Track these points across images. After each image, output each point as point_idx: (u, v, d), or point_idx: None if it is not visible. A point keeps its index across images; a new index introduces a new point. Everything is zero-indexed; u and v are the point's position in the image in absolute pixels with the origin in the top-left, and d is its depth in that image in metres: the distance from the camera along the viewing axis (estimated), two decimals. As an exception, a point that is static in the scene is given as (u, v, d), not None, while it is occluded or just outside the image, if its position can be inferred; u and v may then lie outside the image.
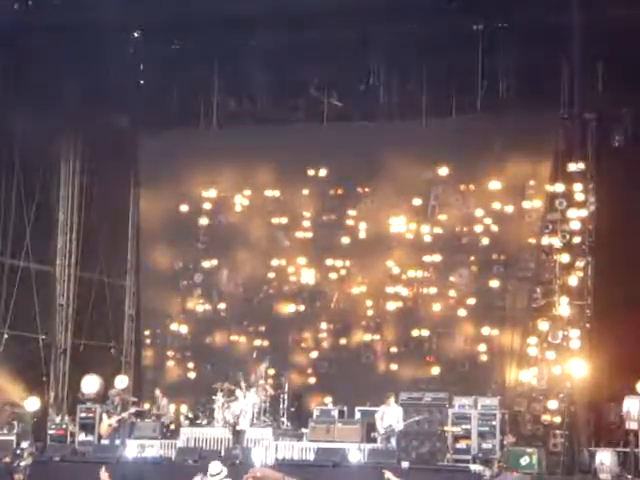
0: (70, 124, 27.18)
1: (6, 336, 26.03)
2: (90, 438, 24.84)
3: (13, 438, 24.48)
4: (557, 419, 24.46)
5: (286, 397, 25.03)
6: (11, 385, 25.13)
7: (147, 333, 28.94)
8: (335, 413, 24.22)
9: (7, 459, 21.41)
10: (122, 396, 25.15)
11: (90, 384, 26.10)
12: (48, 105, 25.29)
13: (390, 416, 22.64)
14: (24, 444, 24.00)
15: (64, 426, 25.25)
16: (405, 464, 21.39)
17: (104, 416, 24.66)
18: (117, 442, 24.19)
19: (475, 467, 21.10)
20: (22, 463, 20.32)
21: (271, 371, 25.67)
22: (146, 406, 26.32)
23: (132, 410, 24.67)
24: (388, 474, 17.41)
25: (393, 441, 22.59)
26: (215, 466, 14.60)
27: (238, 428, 23.08)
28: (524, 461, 21.65)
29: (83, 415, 25.17)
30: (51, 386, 27.19)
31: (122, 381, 26.36)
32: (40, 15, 24.61)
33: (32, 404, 25.40)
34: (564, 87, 24.55)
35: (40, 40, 24.48)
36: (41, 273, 27.40)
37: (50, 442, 24.93)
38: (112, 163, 27.68)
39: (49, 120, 25.74)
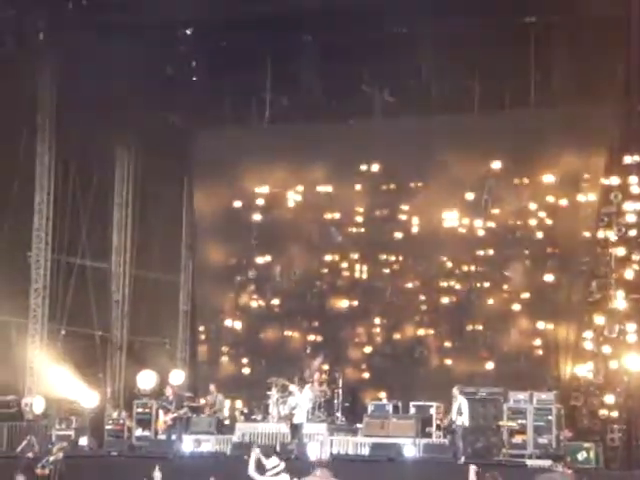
0: (124, 123, 27.40)
1: (63, 332, 26.35)
2: (147, 433, 25.04)
3: (71, 433, 24.80)
4: (614, 413, 24.26)
5: (340, 392, 25.04)
6: (69, 381, 25.43)
7: (202, 329, 29.12)
8: (390, 408, 24.16)
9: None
10: (177, 392, 25.31)
11: (146, 380, 26.31)
12: (102, 104, 25.51)
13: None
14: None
15: (121, 421, 25.46)
16: (461, 459, 21.32)
17: (160, 412, 24.84)
18: (173, 437, 24.36)
19: (544, 463, 20.65)
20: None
21: (325, 366, 25.72)
22: (202, 401, 26.45)
23: (185, 410, 24.72)
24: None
25: (457, 435, 22.21)
26: (272, 460, 14.63)
27: (295, 422, 23.11)
28: (581, 456, 21.47)
29: (140, 410, 25.37)
30: (108, 382, 27.47)
31: (177, 376, 26.56)
32: (93, 14, 24.89)
33: (90, 400, 25.67)
34: (618, 78, 24.32)
35: (93, 39, 24.69)
36: (97, 270, 27.72)
37: (107, 437, 25.19)
38: (166, 161, 27.91)
39: (104, 119, 25.99)
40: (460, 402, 22.10)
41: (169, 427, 24.55)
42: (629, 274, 24.95)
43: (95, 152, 26.85)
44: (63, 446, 21.38)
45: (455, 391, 22.31)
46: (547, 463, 20.38)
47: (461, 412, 22.02)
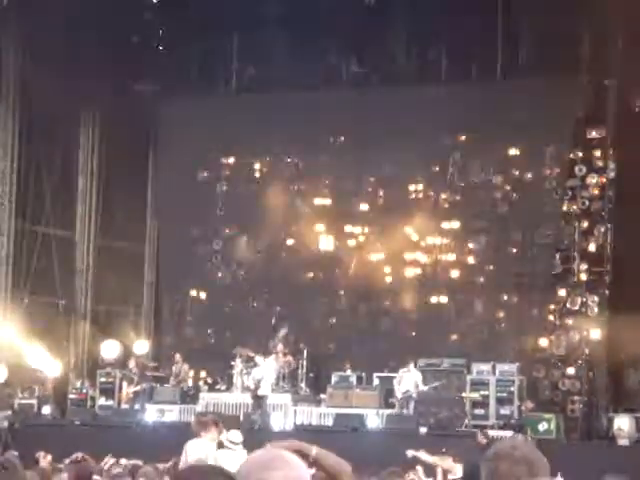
0: (90, 91, 27.17)
1: (27, 300, 26.22)
2: (110, 403, 25.02)
3: (34, 402, 24.73)
4: (575, 385, 24.47)
5: (305, 363, 25.10)
6: (32, 349, 25.32)
7: (166, 299, 29.02)
8: (353, 379, 24.29)
9: None
10: (141, 364, 25.26)
11: (110, 349, 26.25)
12: (67, 72, 25.29)
13: (408, 381, 22.63)
14: (45, 408, 24.28)
15: (84, 391, 25.42)
16: (423, 430, 21.46)
17: (124, 383, 24.82)
18: (137, 407, 24.34)
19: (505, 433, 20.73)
20: None
21: (290, 337, 25.74)
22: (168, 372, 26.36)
23: (146, 385, 24.67)
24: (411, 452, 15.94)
25: (411, 407, 22.60)
26: (236, 435, 14.43)
27: (259, 393, 23.14)
28: (542, 427, 21.65)
29: (103, 380, 25.36)
30: (71, 351, 27.38)
31: (141, 346, 26.51)
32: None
33: (53, 368, 25.59)
34: (584, 52, 24.38)
35: (59, 4, 24.42)
36: (61, 239, 27.55)
37: (70, 406, 25.14)
38: (131, 130, 27.66)
39: (69, 87, 25.75)
40: (415, 375, 22.35)
41: (131, 399, 24.56)
42: (592, 247, 25.11)
43: (60, 119, 26.62)
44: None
45: (409, 366, 22.53)
46: (509, 434, 20.64)
47: (417, 385, 22.28)
